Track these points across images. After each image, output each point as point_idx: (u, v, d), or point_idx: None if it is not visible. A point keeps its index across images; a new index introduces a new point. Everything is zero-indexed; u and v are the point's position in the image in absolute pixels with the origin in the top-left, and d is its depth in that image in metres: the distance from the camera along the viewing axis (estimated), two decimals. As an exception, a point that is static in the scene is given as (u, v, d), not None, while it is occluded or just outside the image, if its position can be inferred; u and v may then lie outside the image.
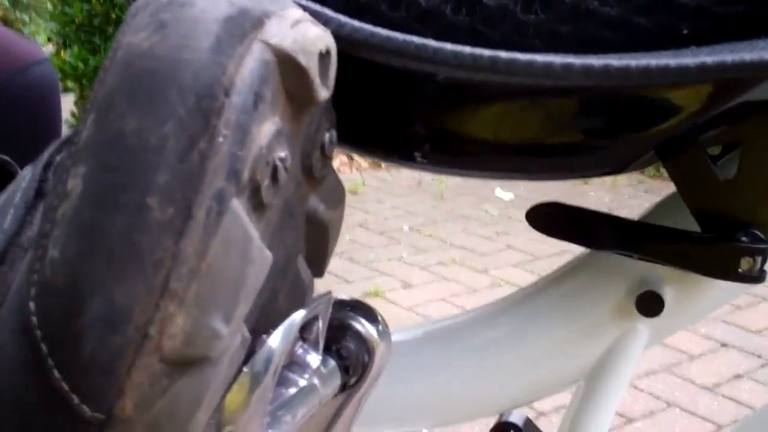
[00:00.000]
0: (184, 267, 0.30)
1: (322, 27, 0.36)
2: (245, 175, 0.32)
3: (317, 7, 0.41)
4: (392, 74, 0.44)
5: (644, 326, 0.56)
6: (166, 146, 0.30)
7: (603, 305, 0.57)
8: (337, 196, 0.44)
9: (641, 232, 0.52)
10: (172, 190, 0.30)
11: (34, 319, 0.30)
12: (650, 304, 0.55)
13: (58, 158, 0.40)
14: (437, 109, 0.49)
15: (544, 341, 0.59)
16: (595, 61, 0.37)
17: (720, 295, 0.57)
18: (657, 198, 0.58)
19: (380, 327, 0.47)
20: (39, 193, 0.38)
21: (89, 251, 0.30)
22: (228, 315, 0.32)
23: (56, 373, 0.30)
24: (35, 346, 0.30)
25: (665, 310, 0.55)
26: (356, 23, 0.40)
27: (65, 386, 0.30)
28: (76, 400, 0.30)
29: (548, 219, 0.54)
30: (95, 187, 0.30)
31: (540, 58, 0.37)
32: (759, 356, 2.50)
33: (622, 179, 4.15)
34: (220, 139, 0.31)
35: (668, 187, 0.53)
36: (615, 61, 0.37)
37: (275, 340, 0.37)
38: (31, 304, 0.31)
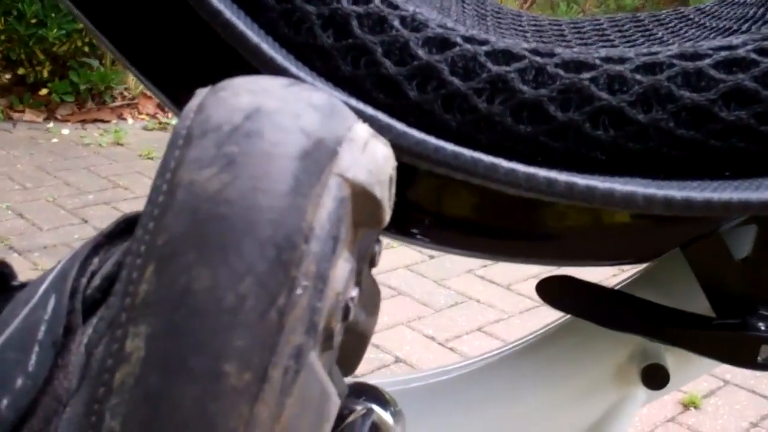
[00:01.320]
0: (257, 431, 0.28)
1: (386, 142, 0.34)
2: (321, 325, 0.29)
3: (371, 111, 0.39)
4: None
5: (643, 391, 0.57)
6: (244, 306, 0.27)
7: (604, 369, 0.57)
8: (374, 301, 0.42)
9: (660, 317, 0.51)
10: (249, 354, 0.27)
11: None
12: (656, 377, 0.55)
13: (83, 282, 0.36)
14: (438, 191, 0.47)
15: (541, 399, 0.58)
16: (677, 193, 0.36)
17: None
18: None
19: (392, 409, 0.46)
20: (68, 330, 0.34)
21: (156, 423, 0.27)
22: None
23: None
24: None
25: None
26: (417, 134, 0.38)
27: None
28: None
29: (560, 294, 0.53)
30: (162, 351, 0.27)
31: (619, 187, 0.36)
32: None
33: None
34: (299, 292, 0.28)
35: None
36: (705, 195, 0.36)
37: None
38: None
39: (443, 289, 2.23)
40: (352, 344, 0.40)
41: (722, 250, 0.49)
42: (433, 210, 0.49)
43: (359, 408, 0.43)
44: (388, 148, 0.34)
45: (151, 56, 0.48)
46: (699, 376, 0.59)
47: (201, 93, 0.32)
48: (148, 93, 2.38)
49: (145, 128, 3.45)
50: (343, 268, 0.31)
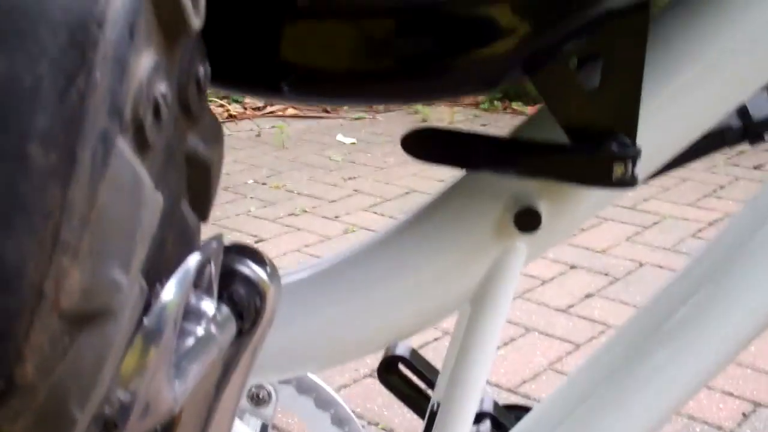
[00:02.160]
0: (74, 216, 0.28)
1: None
2: (127, 111, 0.30)
3: None
4: (256, 5, 0.42)
5: (523, 243, 0.57)
6: (42, 87, 0.28)
7: (481, 227, 0.57)
8: (215, 134, 0.42)
9: (516, 149, 0.52)
10: (53, 134, 0.28)
11: None
12: (528, 220, 0.55)
13: None
14: (297, 38, 0.48)
15: (427, 269, 0.59)
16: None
17: (591, 206, 0.59)
18: (493, 130, 0.59)
19: (269, 269, 0.46)
20: None
21: None
22: (126, 263, 0.31)
23: None
24: None
25: (542, 224, 0.56)
26: None
27: None
28: None
29: (424, 144, 0.54)
30: None
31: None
32: (606, 274, 2.60)
33: (458, 115, 4.21)
34: (98, 75, 0.29)
35: (502, 119, 0.54)
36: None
37: (171, 290, 0.36)
38: None
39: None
40: (196, 177, 0.41)
41: (570, 78, 0.50)
42: (299, 61, 0.49)
43: (234, 264, 0.44)
44: None
45: None
46: (575, 225, 0.60)
47: None
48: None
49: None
50: (146, 60, 0.32)
